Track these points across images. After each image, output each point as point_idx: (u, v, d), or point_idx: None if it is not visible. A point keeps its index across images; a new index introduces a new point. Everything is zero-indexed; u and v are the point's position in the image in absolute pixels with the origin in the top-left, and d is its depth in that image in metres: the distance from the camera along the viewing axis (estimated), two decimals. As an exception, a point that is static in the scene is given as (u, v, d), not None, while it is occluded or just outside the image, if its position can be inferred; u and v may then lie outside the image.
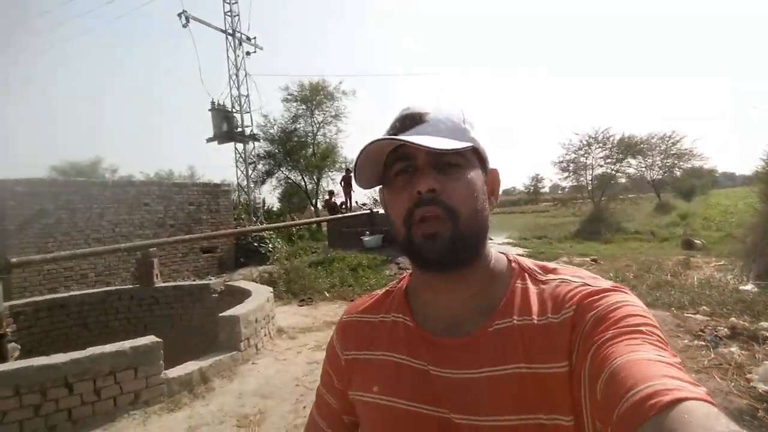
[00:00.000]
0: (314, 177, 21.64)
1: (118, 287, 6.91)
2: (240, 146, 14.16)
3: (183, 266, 10.52)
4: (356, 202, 15.74)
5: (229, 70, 14.47)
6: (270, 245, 11.81)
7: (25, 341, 5.93)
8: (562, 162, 18.70)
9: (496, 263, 0.64)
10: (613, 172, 17.89)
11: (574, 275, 0.60)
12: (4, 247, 7.57)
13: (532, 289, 0.60)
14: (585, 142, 17.67)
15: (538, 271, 0.63)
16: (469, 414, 0.56)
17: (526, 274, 0.63)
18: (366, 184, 0.65)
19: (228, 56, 14.40)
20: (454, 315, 0.62)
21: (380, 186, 0.66)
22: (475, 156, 0.62)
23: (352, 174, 0.64)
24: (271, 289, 6.06)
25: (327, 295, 7.86)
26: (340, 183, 15.22)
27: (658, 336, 0.48)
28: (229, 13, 14.95)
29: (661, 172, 23.69)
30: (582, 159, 18.14)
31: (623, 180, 18.81)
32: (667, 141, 21.74)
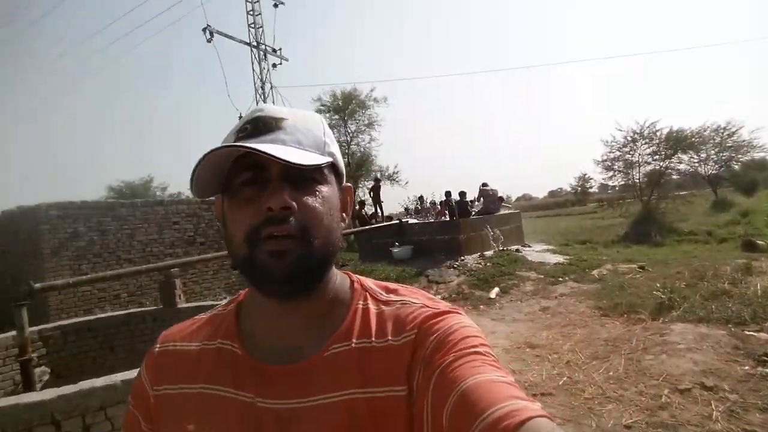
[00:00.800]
0: (349, 187, 21.52)
1: (142, 309, 6.95)
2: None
3: (214, 284, 10.59)
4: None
5: (254, 84, 14.66)
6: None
7: (54, 365, 6.02)
8: (605, 161, 17.72)
9: (339, 284, 0.62)
10: (663, 169, 16.73)
11: (413, 296, 0.60)
12: (31, 272, 7.81)
13: (373, 310, 0.59)
14: (629, 138, 16.66)
15: (380, 291, 0.62)
16: None
17: (368, 294, 0.61)
18: (203, 192, 0.58)
19: (253, 69, 14.58)
20: (290, 340, 0.58)
21: (219, 195, 0.59)
22: (332, 171, 0.59)
23: (204, 191, 0.58)
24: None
25: (351, 311, 7.60)
26: (369, 193, 15.01)
27: (493, 356, 0.50)
28: (252, 26, 15.16)
29: (716, 166, 21.92)
30: (628, 156, 17.10)
31: (674, 176, 17.55)
32: (722, 133, 20.11)
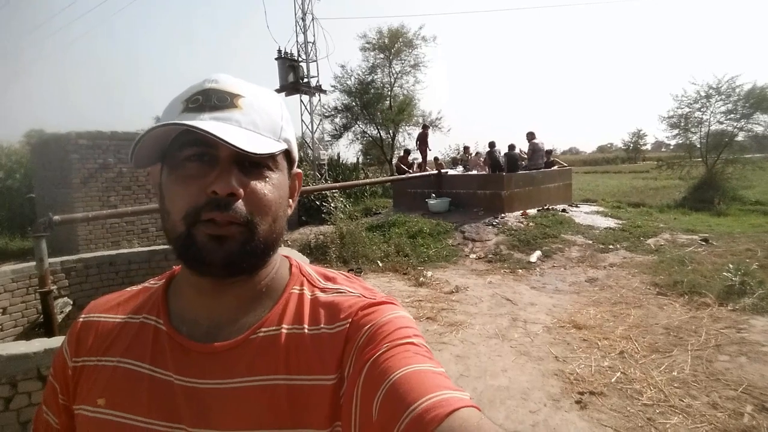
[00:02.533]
0: (390, 131, 20.66)
1: (163, 246, 6.75)
2: (306, 98, 13.53)
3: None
4: (435, 160, 14.57)
5: (295, 14, 13.63)
6: (332, 204, 11.33)
7: (76, 296, 5.98)
8: (672, 117, 15.98)
9: (279, 267, 0.60)
10: (736, 130, 14.95)
11: (351, 286, 0.60)
12: (62, 200, 7.71)
13: (308, 297, 0.58)
14: (703, 94, 14.83)
15: (318, 278, 0.62)
16: (206, 428, 0.51)
17: (305, 280, 0.61)
18: (142, 162, 0.54)
19: (294, -3, 13.53)
20: (218, 320, 0.56)
21: (158, 162, 0.55)
22: (285, 157, 0.57)
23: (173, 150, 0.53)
24: (306, 259, 5.48)
25: (379, 264, 7.19)
26: (416, 141, 14.15)
27: (426, 347, 0.51)
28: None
29: (796, 129, 19.50)
30: (697, 114, 15.33)
31: (740, 139, 15.67)
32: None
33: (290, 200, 0.59)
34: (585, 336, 4.08)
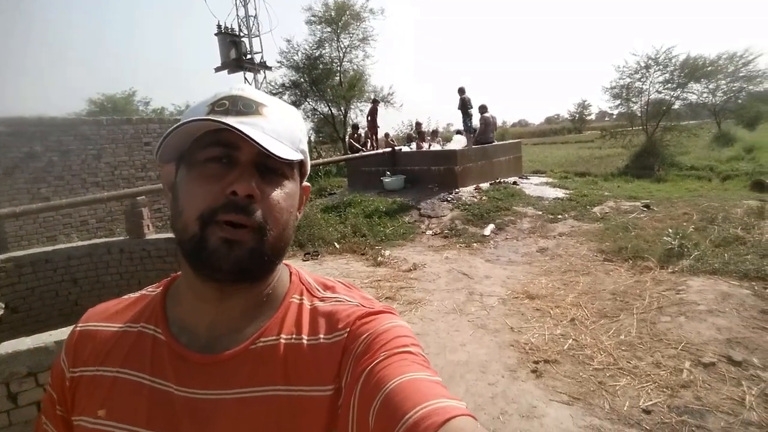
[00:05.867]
0: (341, 108, 20.24)
1: (106, 240, 6.37)
2: (250, 76, 12.98)
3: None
4: (386, 136, 14.42)
5: (235, -12, 12.95)
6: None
7: (9, 298, 5.56)
8: (614, 87, 16.60)
9: (279, 276, 0.60)
10: (673, 99, 15.75)
11: (349, 295, 0.60)
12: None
13: (307, 306, 0.59)
14: (643, 64, 15.46)
15: (317, 287, 0.62)
16: None
17: (304, 289, 0.61)
18: (165, 157, 0.55)
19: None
20: (218, 329, 0.56)
21: (172, 162, 0.56)
22: (298, 168, 0.59)
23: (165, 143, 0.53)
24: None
25: (336, 246, 7.11)
26: (367, 117, 13.92)
27: (423, 356, 0.51)
28: None
29: (724, 97, 20.77)
30: (638, 84, 15.99)
31: (677, 107, 16.56)
32: (737, 61, 18.76)
33: (298, 212, 0.60)
34: (538, 306, 4.22)
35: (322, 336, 0.55)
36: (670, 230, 5.60)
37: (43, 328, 3.71)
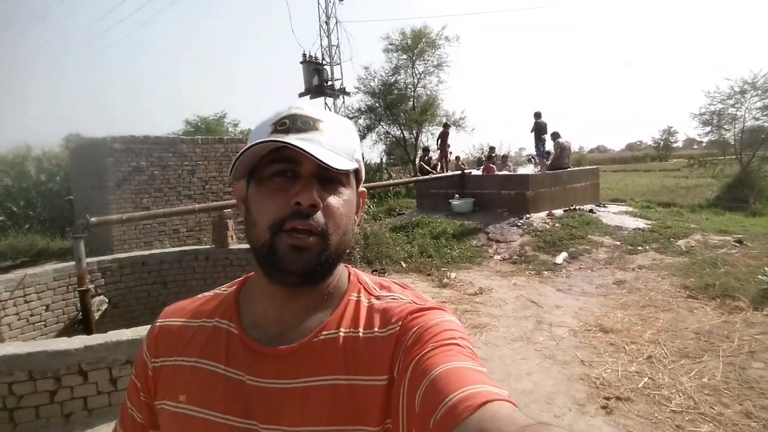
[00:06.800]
0: (413, 131, 20.64)
1: (194, 247, 6.97)
2: (330, 101, 13.69)
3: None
4: (456, 159, 14.46)
5: (319, 18, 13.83)
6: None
7: (111, 295, 6.23)
8: (704, 114, 15.46)
9: (339, 276, 0.65)
10: (775, 126, 14.35)
11: (404, 293, 0.64)
12: (91, 205, 8.00)
13: (364, 303, 0.63)
14: (738, 89, 14.30)
15: (374, 287, 0.66)
16: (276, 424, 0.56)
17: (362, 288, 0.65)
18: (238, 175, 0.61)
19: (318, 2, 13.70)
20: (285, 325, 0.61)
21: (243, 178, 0.62)
22: (354, 176, 0.63)
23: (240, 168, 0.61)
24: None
25: (403, 265, 7.22)
26: (437, 140, 14.10)
27: (470, 349, 0.54)
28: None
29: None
30: (731, 110, 14.79)
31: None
32: None
33: (356, 216, 0.64)
34: (612, 340, 4.02)
35: (377, 330, 0.59)
36: (767, 268, 5.10)
37: (135, 324, 4.16)
